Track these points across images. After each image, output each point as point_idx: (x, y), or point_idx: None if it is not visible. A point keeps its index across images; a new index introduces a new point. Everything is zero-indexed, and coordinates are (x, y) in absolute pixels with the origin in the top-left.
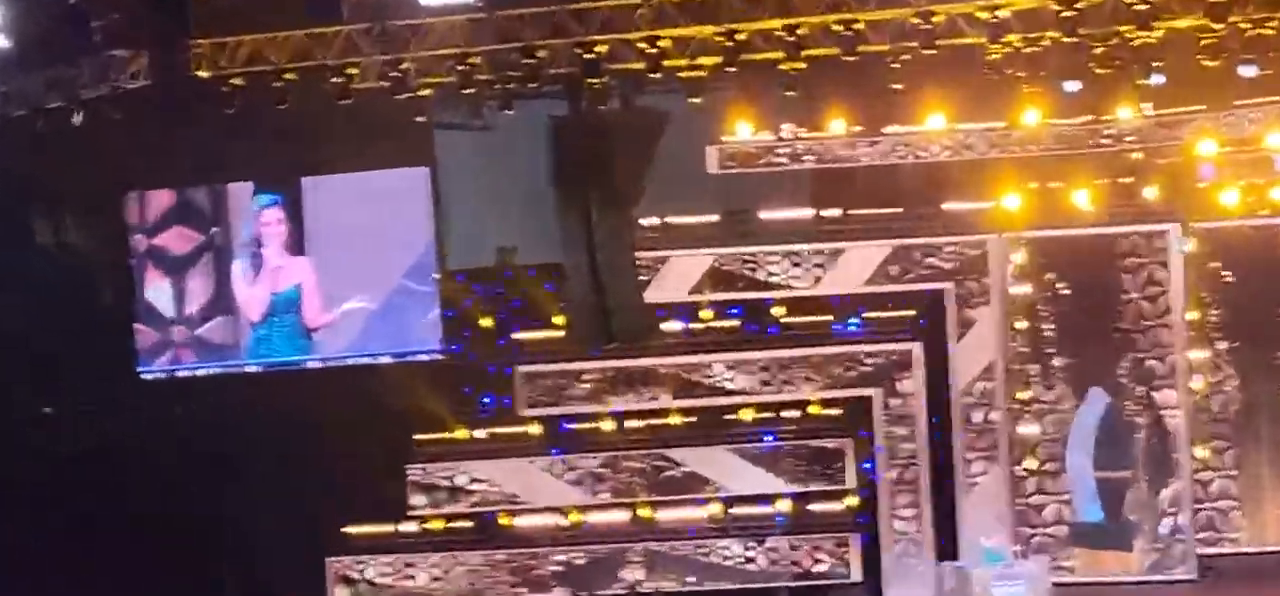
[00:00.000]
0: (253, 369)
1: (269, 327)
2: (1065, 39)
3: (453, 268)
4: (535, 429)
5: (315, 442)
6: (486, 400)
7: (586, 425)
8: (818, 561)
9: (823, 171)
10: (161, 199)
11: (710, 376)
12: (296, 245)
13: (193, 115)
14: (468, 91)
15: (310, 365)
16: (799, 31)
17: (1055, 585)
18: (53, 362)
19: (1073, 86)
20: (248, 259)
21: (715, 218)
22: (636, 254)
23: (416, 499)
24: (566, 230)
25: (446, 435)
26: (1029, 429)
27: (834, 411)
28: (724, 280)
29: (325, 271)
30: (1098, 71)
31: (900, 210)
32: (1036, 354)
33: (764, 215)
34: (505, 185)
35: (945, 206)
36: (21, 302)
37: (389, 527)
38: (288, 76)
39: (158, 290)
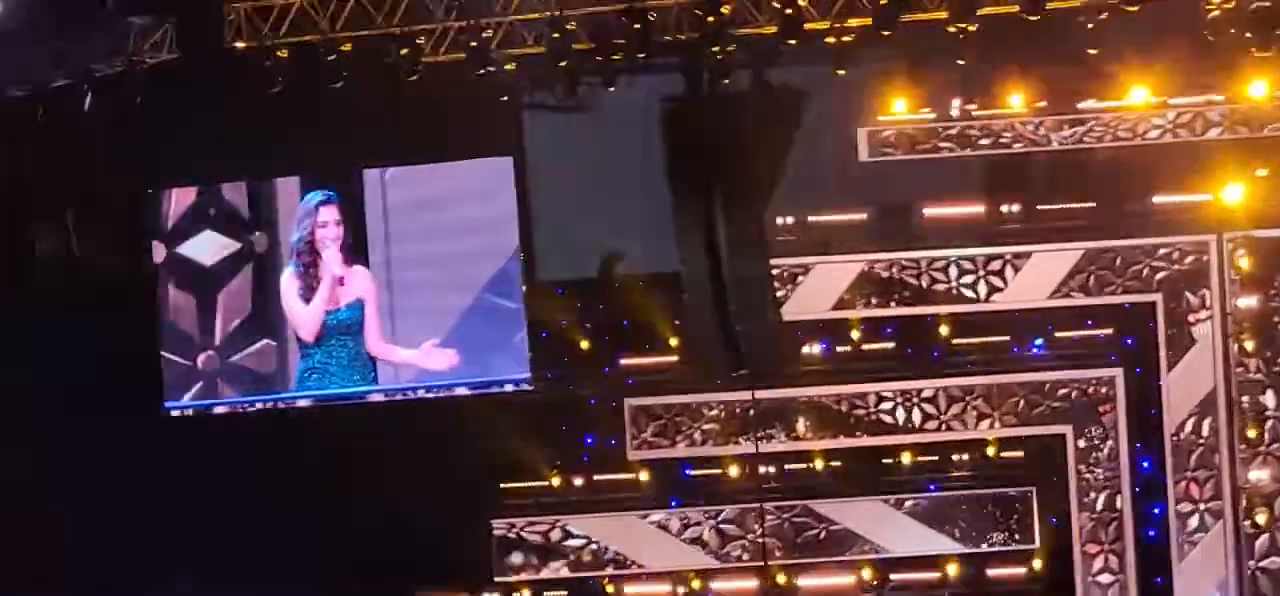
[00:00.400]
0: (303, 404)
1: (323, 353)
2: None
3: (545, 279)
4: (647, 475)
5: (379, 492)
6: (587, 440)
7: (710, 471)
8: None
9: (1000, 159)
10: (188, 198)
11: (862, 411)
12: (356, 252)
13: (227, 96)
14: (562, 64)
15: (373, 399)
16: None
17: None
18: (60, 399)
19: None
20: (296, 269)
21: (866, 216)
22: (771, 261)
23: (503, 560)
24: (685, 232)
25: (539, 482)
26: (1260, 474)
27: (1015, 453)
28: (878, 292)
29: (390, 284)
30: None
31: (1096, 205)
32: (1270, 381)
33: (928, 212)
34: (609, 178)
35: (1153, 200)
36: (21, 327)
37: None
38: (342, 48)
39: (184, 309)
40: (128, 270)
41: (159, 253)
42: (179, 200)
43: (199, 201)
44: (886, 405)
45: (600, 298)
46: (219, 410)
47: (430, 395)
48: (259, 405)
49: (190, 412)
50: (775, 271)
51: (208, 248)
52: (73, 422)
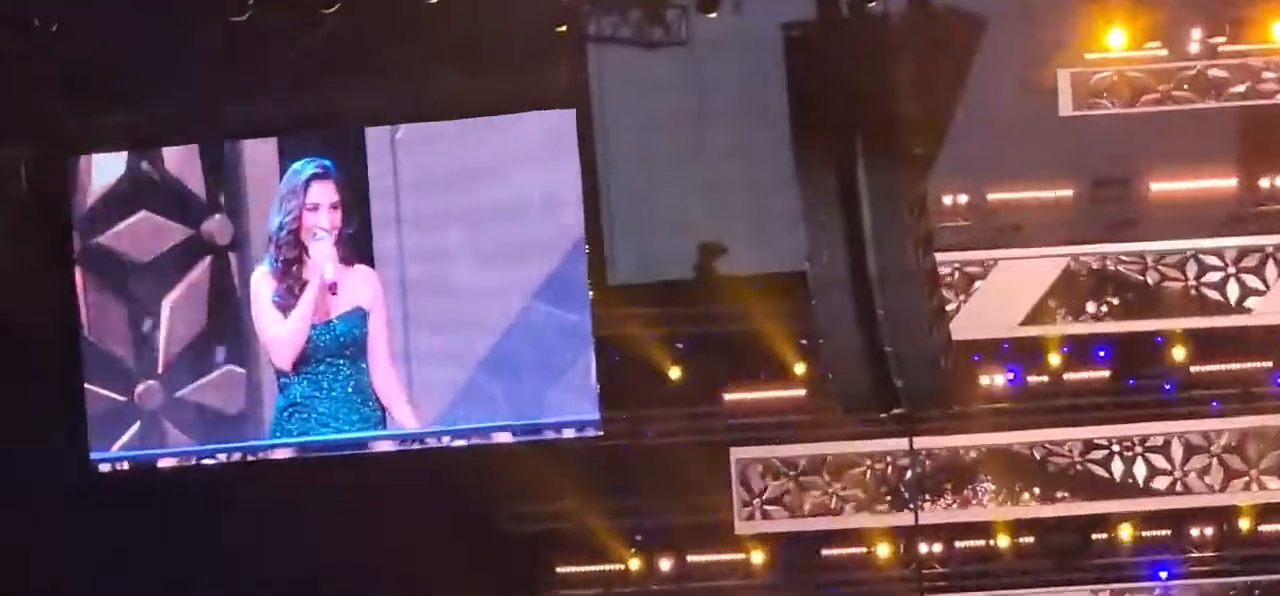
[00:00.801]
0: (281, 454)
1: (309, 383)
2: None
3: (619, 281)
4: (761, 556)
5: (388, 575)
6: (677, 505)
7: (850, 550)
8: None
9: (1258, 112)
10: (114, 168)
11: (1063, 465)
12: (358, 244)
13: (172, 18)
14: None
15: (379, 447)
16: None
17: None
18: None
19: None
20: (273, 267)
21: (1070, 192)
22: (935, 256)
23: None
24: (814, 216)
25: (609, 565)
26: None
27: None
28: (1087, 299)
29: (403, 289)
30: None
31: None
32: None
33: (1155, 187)
34: (707, 142)
35: None
36: None
37: None
38: None
39: (112, 323)
40: (33, 270)
41: (77, 246)
42: (101, 170)
43: (131, 172)
44: (1097, 456)
45: (695, 308)
46: (164, 463)
47: (460, 443)
48: (219, 457)
49: (124, 466)
50: (941, 270)
51: (143, 236)
52: None
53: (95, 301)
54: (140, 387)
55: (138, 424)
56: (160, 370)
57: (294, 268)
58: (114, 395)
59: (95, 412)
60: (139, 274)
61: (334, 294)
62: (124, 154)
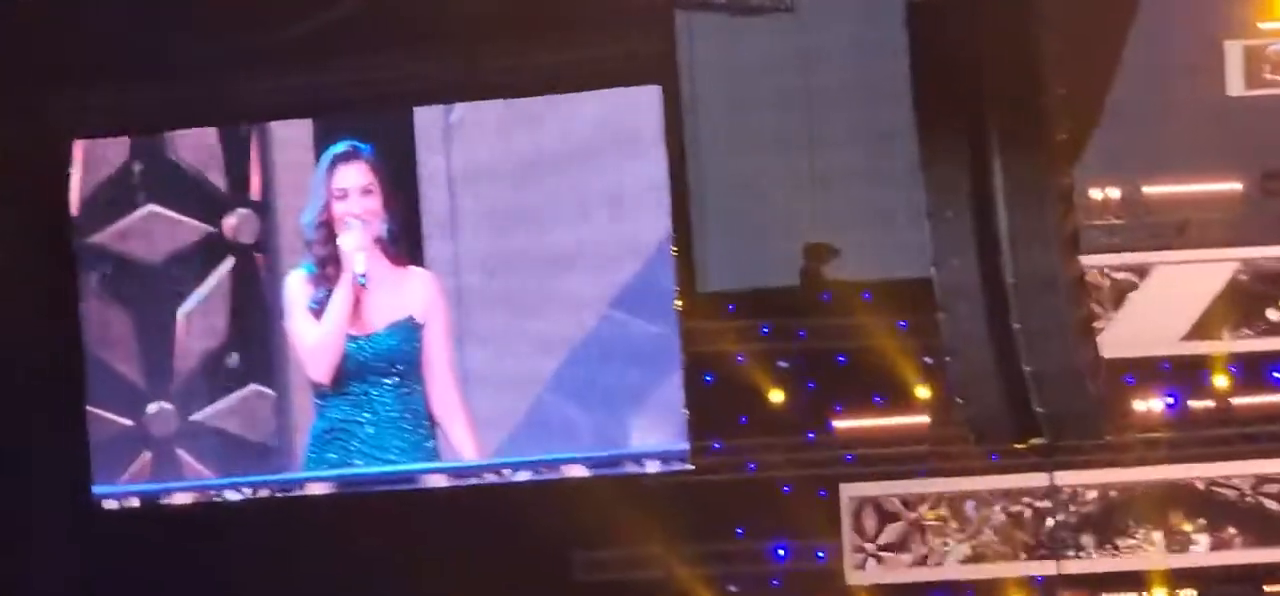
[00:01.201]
0: (317, 490)
1: (350, 405)
2: None
3: (711, 288)
4: None
5: None
6: (779, 550)
7: None
8: None
9: None
10: (114, 154)
11: (1232, 502)
12: (406, 243)
13: None
14: None
15: (431, 482)
16: None
17: None
18: None
19: None
20: (311, 271)
21: (1239, 185)
22: (1081, 259)
23: None
24: (941, 215)
25: None
26: None
27: None
28: (1257, 311)
29: (460, 298)
30: None
31: None
32: None
33: None
34: (817, 125)
35: None
36: None
37: None
38: None
39: (116, 336)
40: (26, 273)
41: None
42: (97, 156)
43: (134, 159)
44: (1271, 491)
45: (801, 320)
46: (178, 498)
47: (525, 477)
48: (243, 492)
49: (133, 502)
50: (1089, 277)
51: (150, 234)
52: None
53: (97, 310)
54: (150, 410)
55: (147, 453)
56: (173, 390)
57: (330, 268)
58: (120, 419)
59: (99, 440)
60: (147, 278)
61: (365, 285)
62: (124, 139)
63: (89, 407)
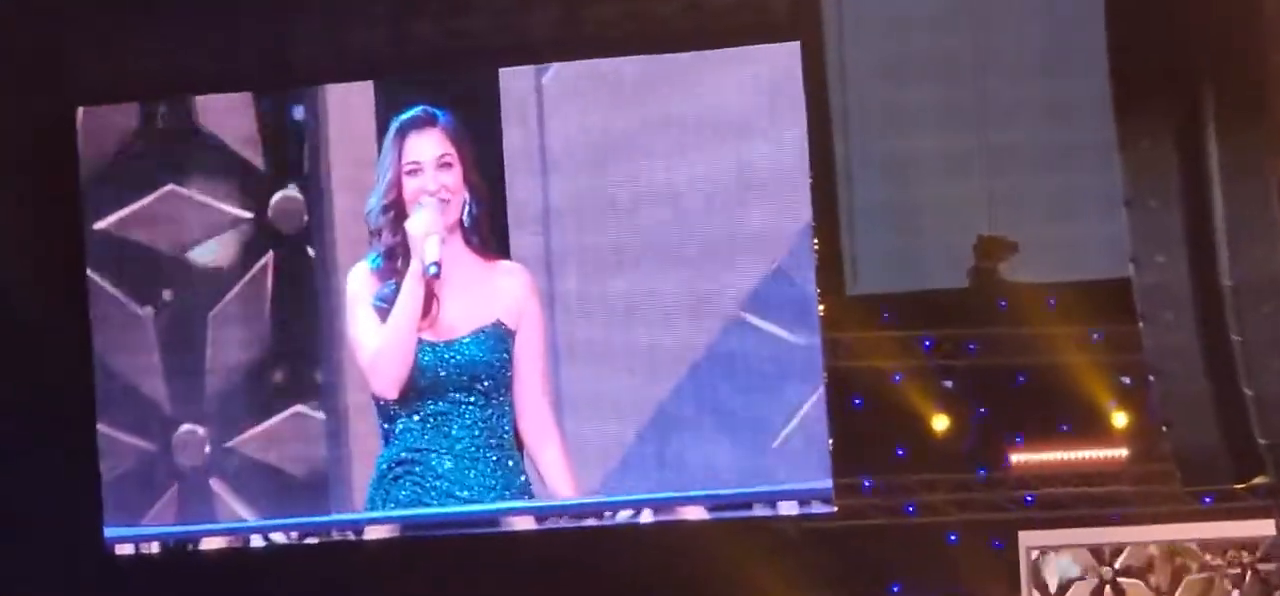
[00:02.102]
0: (381, 533)
1: (426, 429)
2: None
3: (861, 290)
4: None
5: None
6: None
7: None
8: None
9: None
10: (123, 121)
11: None
12: (491, 231)
13: None
14: None
15: (517, 524)
16: None
17: None
18: None
19: None
20: (377, 264)
21: None
22: None
23: None
24: (1142, 204)
25: None
26: None
27: None
28: None
29: (553, 300)
30: None
31: None
32: None
33: None
34: (991, 95)
35: None
36: None
37: None
38: None
39: (131, 339)
40: (32, 264)
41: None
42: (104, 125)
43: (148, 127)
44: None
45: (971, 330)
46: (210, 544)
47: (633, 521)
48: (291, 536)
49: (153, 548)
50: None
51: (173, 219)
52: None
53: (110, 312)
54: (178, 435)
55: (173, 487)
56: (204, 412)
57: (402, 260)
58: (139, 445)
59: (113, 471)
60: (167, 272)
61: (437, 276)
62: (133, 106)
63: (101, 430)
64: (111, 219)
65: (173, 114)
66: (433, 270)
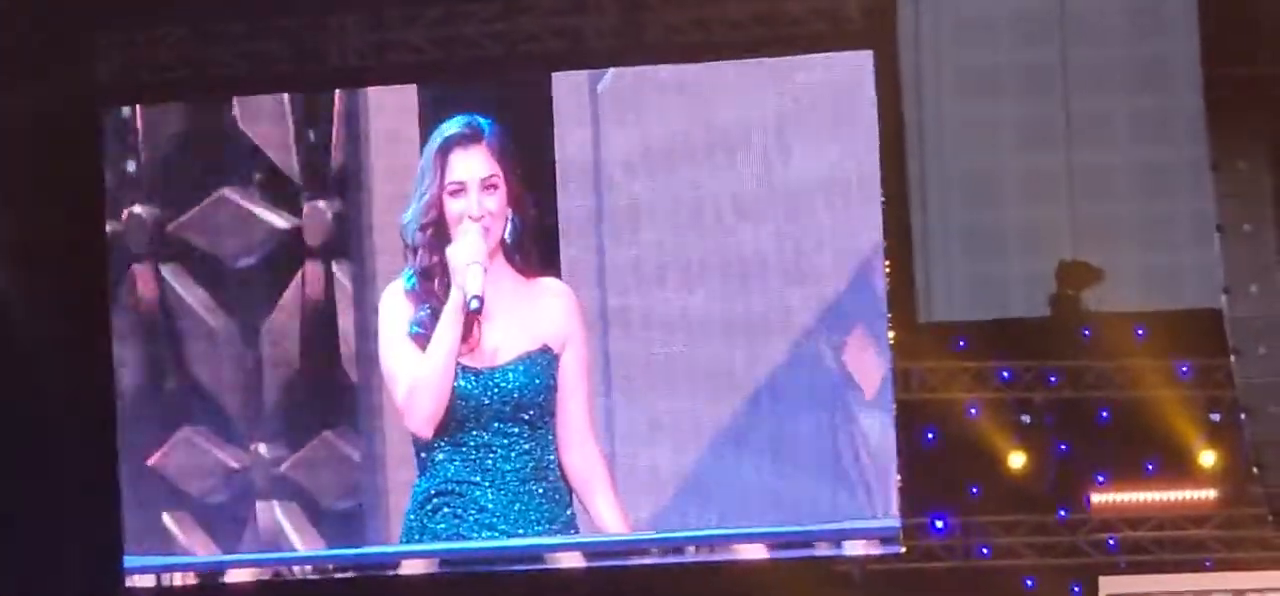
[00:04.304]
0: (417, 568)
1: (466, 460)
2: None
3: (935, 317)
4: None
5: None
6: None
7: None
8: None
9: None
10: (167, 125)
11: None
12: (538, 248)
13: None
14: None
15: (566, 561)
16: None
17: None
18: None
19: None
20: (412, 284)
21: None
22: None
23: None
24: (1235, 229)
25: None
26: None
27: None
28: None
29: (605, 320)
30: None
31: None
32: None
33: None
34: (1076, 112)
35: None
36: None
37: None
38: None
39: (150, 355)
40: (50, 270)
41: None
42: (160, 129)
43: (189, 130)
44: None
45: (1052, 360)
46: (236, 577)
47: (687, 560)
48: (326, 569)
49: (175, 581)
50: None
51: (215, 227)
52: None
53: (136, 324)
54: (218, 463)
55: (227, 500)
56: (233, 433)
57: (439, 282)
58: (162, 470)
59: (132, 497)
60: (210, 282)
61: (479, 312)
62: (177, 107)
63: (122, 445)
64: (178, 221)
65: (209, 115)
66: (474, 305)
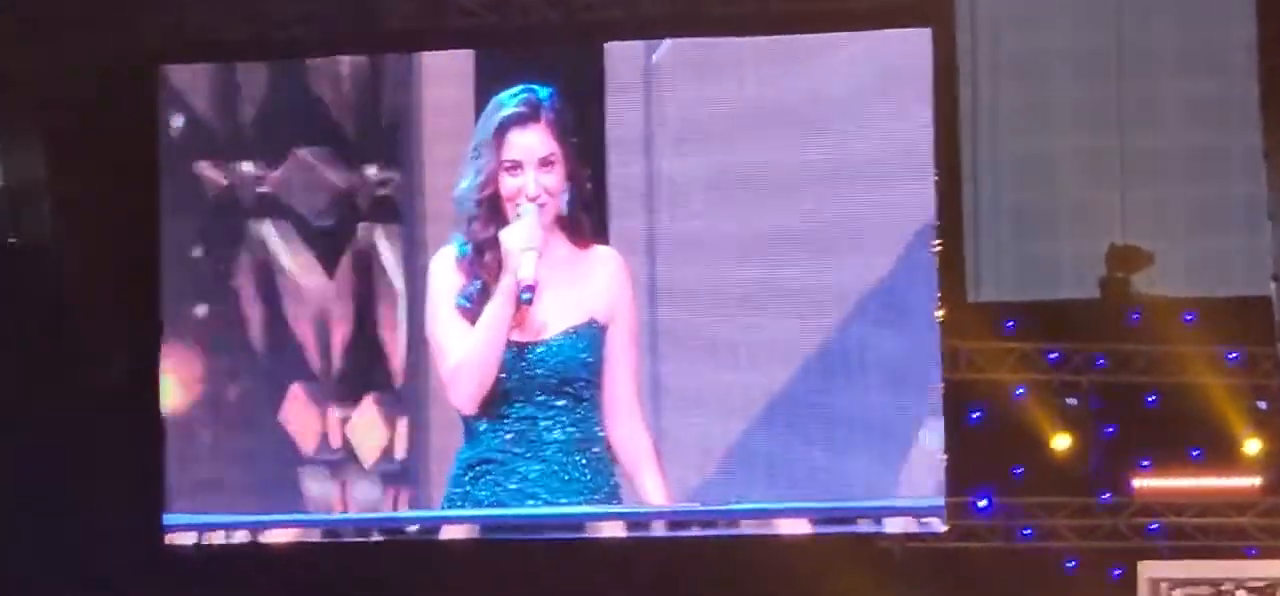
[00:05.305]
0: (458, 533)
1: (506, 431)
2: None
3: (984, 297)
4: None
5: None
6: None
7: None
8: None
9: None
10: (252, 84)
11: None
12: (590, 217)
13: None
14: None
15: (607, 531)
16: None
17: None
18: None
19: None
20: (463, 253)
21: None
22: None
23: None
24: None
25: None
26: None
27: None
28: None
29: (654, 291)
30: None
31: None
32: None
33: None
34: (1129, 96)
35: None
36: None
37: None
38: None
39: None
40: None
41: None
42: (196, 85)
43: (275, 88)
44: None
45: (1099, 344)
46: (273, 536)
47: (727, 531)
48: (365, 533)
49: (215, 539)
50: None
51: (291, 186)
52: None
53: (181, 284)
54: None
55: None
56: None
57: (490, 256)
58: (201, 427)
59: (176, 453)
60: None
61: (530, 303)
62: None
63: (164, 413)
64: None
65: (285, 74)
66: (526, 298)
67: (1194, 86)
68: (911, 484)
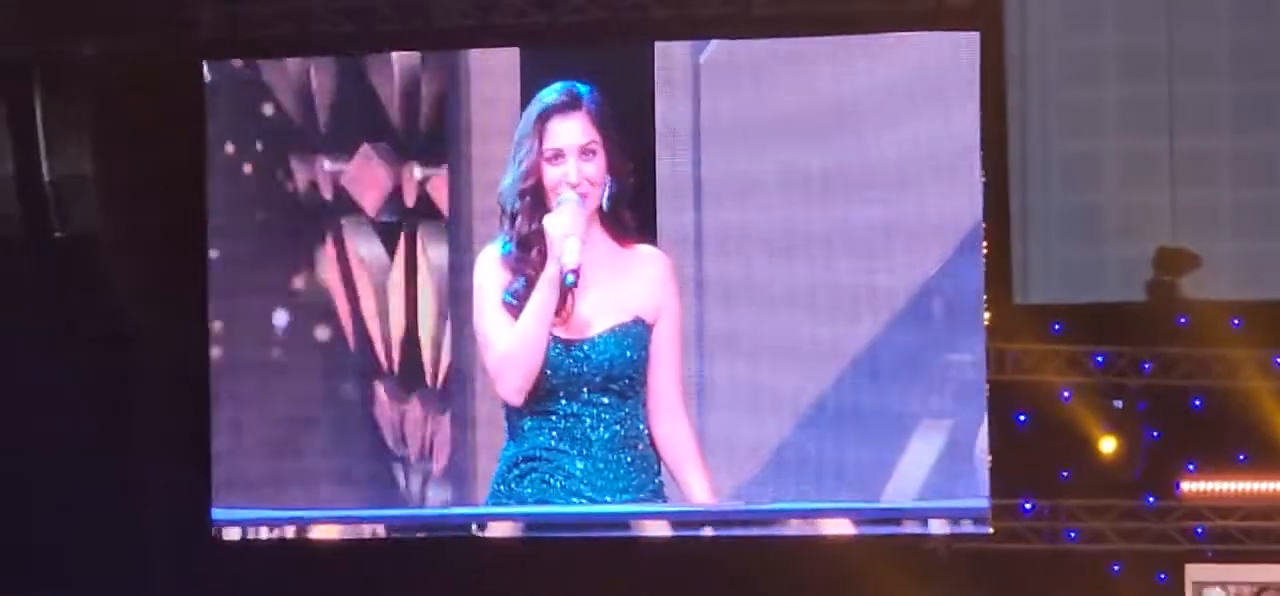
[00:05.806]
0: (502, 531)
1: (552, 429)
2: None
3: (1031, 299)
4: None
5: None
6: None
7: None
8: None
9: None
10: (322, 81)
11: None
12: (635, 214)
13: None
14: None
15: (651, 529)
16: None
17: None
18: (27, 493)
19: None
20: (508, 251)
21: None
22: None
23: None
24: None
25: None
26: None
27: None
28: None
29: (700, 289)
30: None
31: None
32: None
33: None
34: (1181, 98)
35: None
36: None
37: None
38: None
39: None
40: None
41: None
42: (238, 78)
43: (341, 85)
44: None
45: (1147, 347)
46: (319, 532)
47: (772, 533)
48: (404, 527)
49: (262, 533)
50: None
51: (360, 182)
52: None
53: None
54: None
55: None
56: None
57: (536, 251)
58: (249, 424)
59: (222, 449)
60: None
61: (574, 286)
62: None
63: (214, 411)
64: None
65: (347, 72)
66: (571, 281)
67: (1244, 88)
68: (957, 486)
